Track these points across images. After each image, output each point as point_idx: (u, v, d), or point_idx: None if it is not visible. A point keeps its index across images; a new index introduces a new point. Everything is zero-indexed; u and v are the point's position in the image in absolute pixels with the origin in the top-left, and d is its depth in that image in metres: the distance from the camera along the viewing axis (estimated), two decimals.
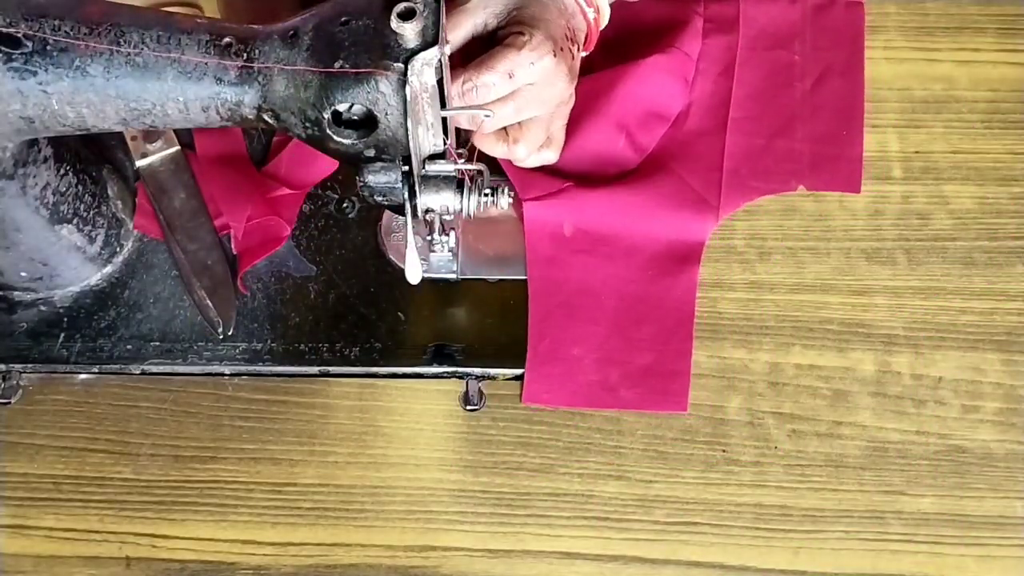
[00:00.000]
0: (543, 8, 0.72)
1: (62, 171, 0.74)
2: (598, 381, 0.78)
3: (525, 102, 0.72)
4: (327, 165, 0.83)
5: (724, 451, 0.77)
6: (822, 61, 0.89)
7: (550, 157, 0.79)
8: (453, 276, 0.79)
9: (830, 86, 0.88)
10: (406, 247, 0.68)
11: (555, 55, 0.70)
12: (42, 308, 0.81)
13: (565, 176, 0.83)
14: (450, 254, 0.76)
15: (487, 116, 0.68)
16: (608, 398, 0.77)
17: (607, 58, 0.85)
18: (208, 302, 0.80)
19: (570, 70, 0.73)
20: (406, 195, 0.65)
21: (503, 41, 0.70)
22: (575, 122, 0.81)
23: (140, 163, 0.84)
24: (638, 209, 0.82)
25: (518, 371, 0.79)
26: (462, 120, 0.72)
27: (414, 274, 0.69)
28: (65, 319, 0.80)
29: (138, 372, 0.79)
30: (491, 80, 0.69)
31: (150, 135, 0.84)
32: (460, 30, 0.71)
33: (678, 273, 0.81)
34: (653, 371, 0.78)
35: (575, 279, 0.81)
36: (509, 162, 0.80)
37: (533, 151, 0.77)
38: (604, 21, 0.78)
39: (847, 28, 0.90)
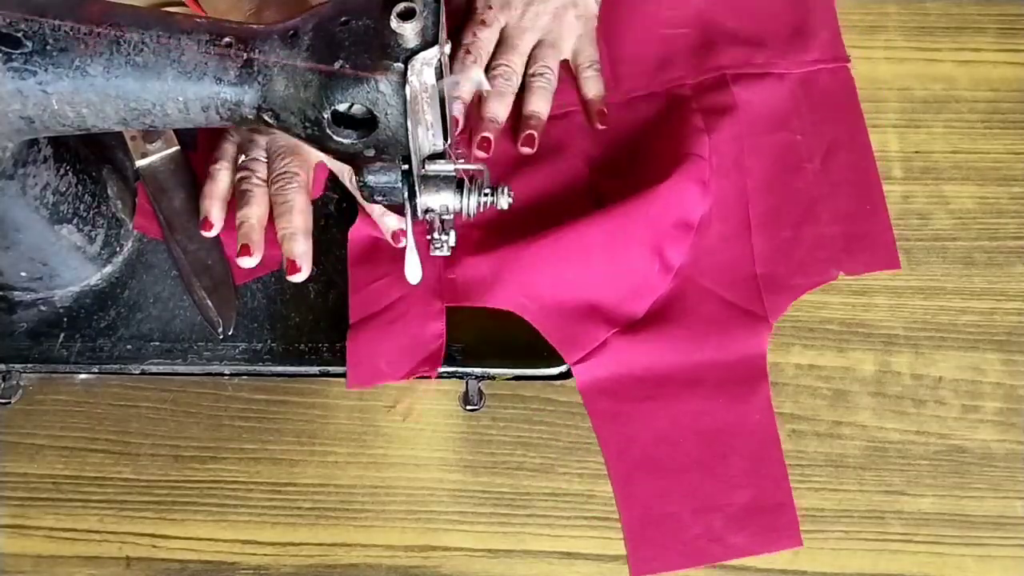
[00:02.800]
0: None
1: (62, 171, 0.74)
2: (703, 533, 0.74)
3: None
4: (316, 187, 0.83)
5: None
6: (824, 135, 0.86)
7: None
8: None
9: (840, 160, 0.85)
10: (406, 247, 0.68)
11: None
12: (42, 308, 0.81)
13: (604, 315, 0.79)
14: (450, 254, 0.76)
15: (479, 78, 0.73)
16: (719, 550, 0.73)
17: (620, 174, 0.84)
18: (208, 302, 0.80)
19: None
20: (406, 195, 0.65)
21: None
22: (611, 251, 0.79)
23: (140, 163, 0.84)
24: (687, 341, 0.78)
25: (518, 371, 0.79)
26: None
27: (414, 274, 0.69)
28: (65, 319, 0.80)
29: (138, 372, 0.79)
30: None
31: (150, 135, 0.84)
32: None
33: (749, 394, 0.77)
34: (755, 507, 0.74)
35: (646, 430, 0.77)
36: (547, 321, 0.78)
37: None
38: None
39: (839, 94, 0.88)
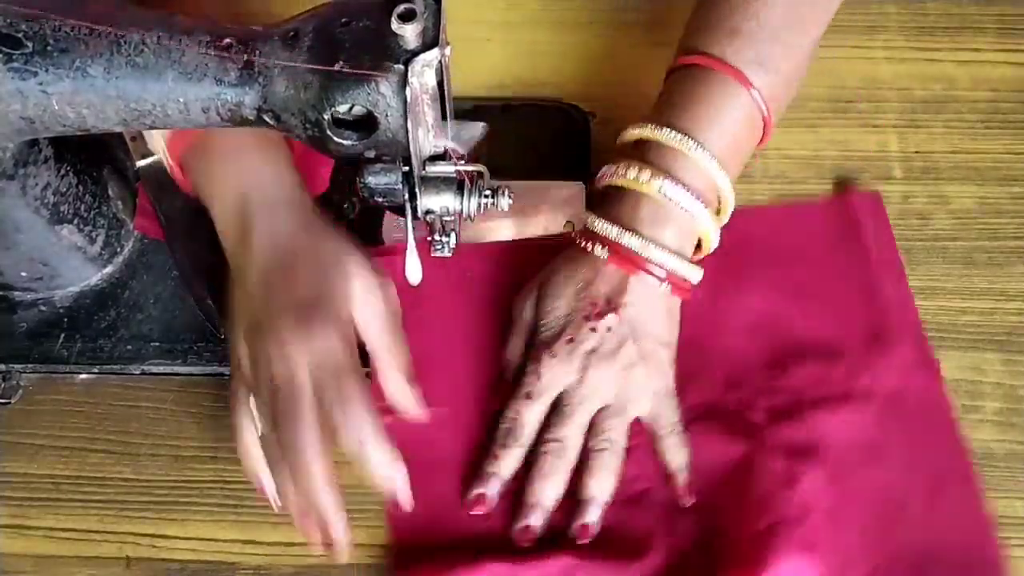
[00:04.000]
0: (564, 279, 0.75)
1: (62, 171, 0.74)
2: None
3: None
4: (319, 183, 0.82)
5: None
6: (922, 468, 0.73)
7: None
8: None
9: (947, 497, 0.72)
10: (407, 248, 0.68)
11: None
12: (42, 308, 0.81)
13: None
14: (451, 255, 0.76)
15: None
16: None
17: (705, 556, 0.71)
18: (208, 302, 0.80)
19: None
20: (406, 196, 0.65)
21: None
22: None
23: (140, 163, 0.84)
24: None
25: None
26: None
27: (414, 275, 0.69)
28: (65, 319, 0.80)
29: (138, 372, 0.79)
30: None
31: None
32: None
33: None
34: None
35: None
36: None
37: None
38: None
39: (933, 412, 0.75)
